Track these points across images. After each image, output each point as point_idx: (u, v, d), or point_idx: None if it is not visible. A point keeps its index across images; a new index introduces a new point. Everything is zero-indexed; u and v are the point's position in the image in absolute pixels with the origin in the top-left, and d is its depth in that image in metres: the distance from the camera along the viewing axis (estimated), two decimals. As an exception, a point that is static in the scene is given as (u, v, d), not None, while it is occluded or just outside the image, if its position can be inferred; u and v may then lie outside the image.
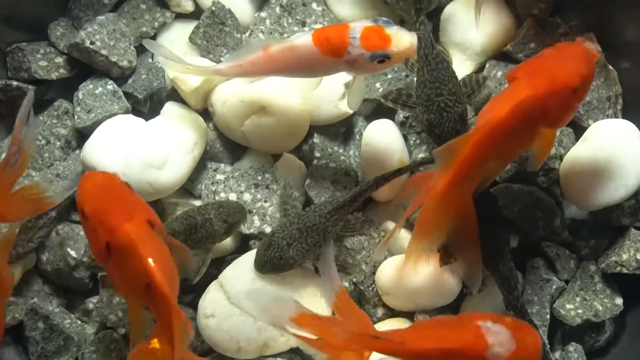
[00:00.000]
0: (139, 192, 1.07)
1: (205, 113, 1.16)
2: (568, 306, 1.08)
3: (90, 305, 1.12)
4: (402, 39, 0.95)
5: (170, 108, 1.15)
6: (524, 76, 0.90)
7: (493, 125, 0.88)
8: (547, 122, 0.92)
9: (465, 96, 1.09)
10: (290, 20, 1.20)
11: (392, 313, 1.10)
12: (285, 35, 1.19)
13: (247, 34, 1.20)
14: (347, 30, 0.96)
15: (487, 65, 1.17)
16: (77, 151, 1.15)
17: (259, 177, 1.14)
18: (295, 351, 1.08)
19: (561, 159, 1.09)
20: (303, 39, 0.98)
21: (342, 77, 1.15)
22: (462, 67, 1.17)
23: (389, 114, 1.18)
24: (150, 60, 1.21)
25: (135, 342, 0.90)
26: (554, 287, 1.10)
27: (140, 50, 1.21)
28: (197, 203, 1.13)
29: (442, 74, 1.06)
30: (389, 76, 1.18)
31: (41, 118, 1.15)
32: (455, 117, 1.05)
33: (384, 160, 1.12)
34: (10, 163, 0.96)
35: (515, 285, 1.03)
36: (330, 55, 0.97)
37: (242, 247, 1.14)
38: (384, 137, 1.14)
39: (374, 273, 1.09)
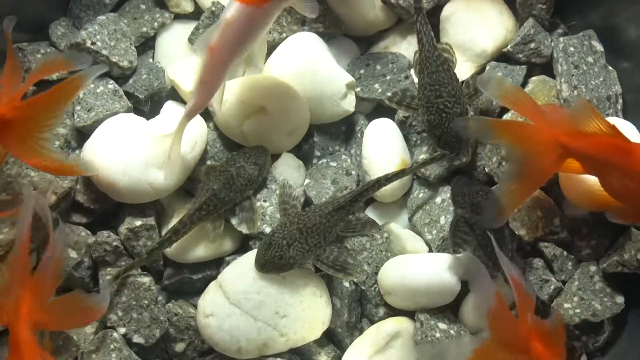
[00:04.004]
0: (138, 192, 1.08)
1: (205, 113, 1.16)
2: (566, 305, 1.08)
3: (90, 305, 1.12)
4: None
5: (170, 107, 1.16)
6: None
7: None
8: None
9: (467, 97, 1.09)
10: (289, 19, 1.20)
11: (393, 313, 1.10)
12: (285, 34, 1.19)
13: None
14: None
15: (487, 67, 1.17)
16: (77, 151, 1.15)
17: (259, 177, 1.15)
18: (295, 351, 1.09)
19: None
20: (232, 9, 0.94)
21: (343, 77, 1.15)
22: (462, 68, 1.17)
23: (389, 113, 1.18)
24: (150, 60, 1.21)
25: None
26: (552, 287, 1.10)
27: (141, 50, 1.21)
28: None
29: (441, 77, 1.07)
30: (388, 77, 1.19)
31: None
32: (454, 118, 1.05)
33: (385, 159, 1.12)
34: (45, 267, 0.97)
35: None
36: (265, 1, 0.94)
37: (242, 247, 1.14)
38: (385, 136, 1.14)
39: (376, 273, 1.10)
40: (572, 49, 1.16)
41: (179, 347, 1.11)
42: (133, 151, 1.08)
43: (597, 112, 0.90)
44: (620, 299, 1.08)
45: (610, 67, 1.16)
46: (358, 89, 1.18)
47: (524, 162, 0.95)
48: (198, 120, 1.14)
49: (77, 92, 1.01)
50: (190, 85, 1.08)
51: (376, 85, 1.18)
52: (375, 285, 1.10)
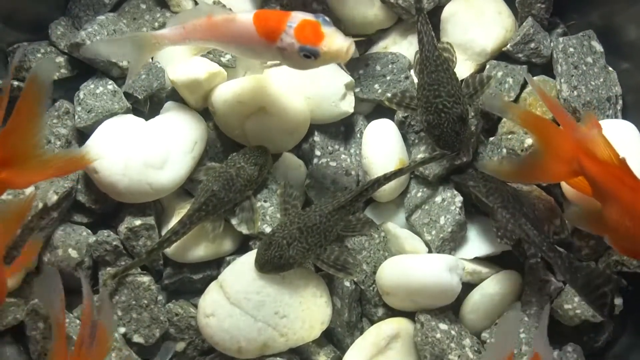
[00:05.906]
0: (138, 192, 1.09)
1: (206, 112, 1.16)
2: (566, 306, 1.08)
3: (90, 305, 1.12)
4: (335, 41, 0.92)
5: (170, 107, 1.16)
6: None
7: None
8: None
9: (468, 96, 1.09)
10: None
11: (392, 313, 1.10)
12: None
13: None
14: (287, 18, 0.95)
15: (487, 66, 1.17)
16: (78, 152, 1.15)
17: (259, 177, 1.15)
18: (294, 351, 1.09)
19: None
20: (246, 16, 0.98)
21: (342, 78, 1.15)
22: (462, 67, 1.17)
23: (389, 114, 1.18)
24: (150, 60, 1.21)
25: None
26: (552, 287, 1.10)
27: (140, 50, 1.21)
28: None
29: (441, 76, 1.06)
30: (388, 78, 1.19)
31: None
32: (453, 118, 1.05)
33: (384, 159, 1.13)
34: (86, 344, 0.95)
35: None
36: (264, 37, 0.96)
37: (242, 247, 1.14)
38: (384, 136, 1.14)
39: (374, 273, 1.10)
40: (571, 49, 1.16)
41: (179, 346, 1.11)
42: (133, 151, 1.08)
43: (610, 144, 0.92)
44: (618, 301, 1.08)
45: (610, 68, 1.16)
46: (357, 90, 1.18)
47: (537, 156, 0.97)
48: (198, 119, 1.14)
49: (44, 91, 0.93)
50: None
51: (376, 86, 1.18)
52: (374, 285, 1.10)
